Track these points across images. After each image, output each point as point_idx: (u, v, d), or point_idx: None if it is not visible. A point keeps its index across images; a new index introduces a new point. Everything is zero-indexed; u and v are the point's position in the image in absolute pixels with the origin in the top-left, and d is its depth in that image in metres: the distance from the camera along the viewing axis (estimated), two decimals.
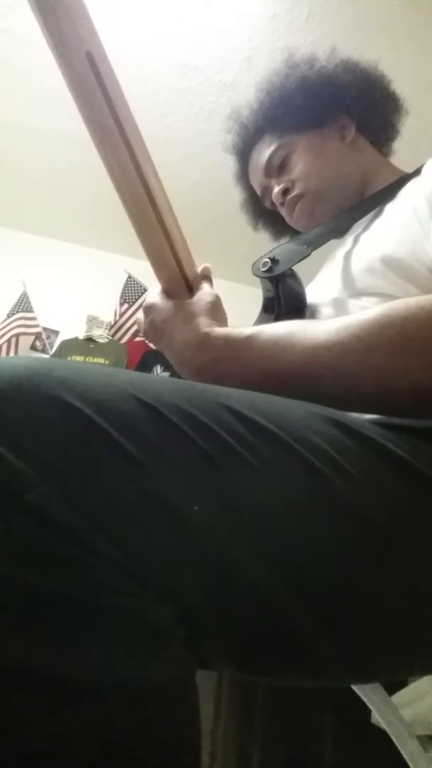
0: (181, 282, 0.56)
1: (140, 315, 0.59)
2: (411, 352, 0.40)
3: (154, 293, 0.57)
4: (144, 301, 0.58)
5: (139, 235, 0.51)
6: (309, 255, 0.66)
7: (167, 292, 0.57)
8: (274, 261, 0.63)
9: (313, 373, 0.43)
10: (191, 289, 0.57)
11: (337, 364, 0.42)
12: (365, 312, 0.43)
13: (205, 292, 0.55)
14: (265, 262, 0.64)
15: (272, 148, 0.78)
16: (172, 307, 0.54)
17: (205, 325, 0.51)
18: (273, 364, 0.45)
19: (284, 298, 0.62)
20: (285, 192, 0.78)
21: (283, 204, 0.80)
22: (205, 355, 0.49)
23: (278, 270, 0.63)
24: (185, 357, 0.50)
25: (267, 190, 0.83)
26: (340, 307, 0.60)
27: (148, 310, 0.57)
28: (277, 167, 0.79)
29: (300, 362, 0.44)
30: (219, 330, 0.50)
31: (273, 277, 0.63)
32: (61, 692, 0.25)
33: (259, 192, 0.85)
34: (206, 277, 0.58)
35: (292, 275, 0.65)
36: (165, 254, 0.52)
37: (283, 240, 0.94)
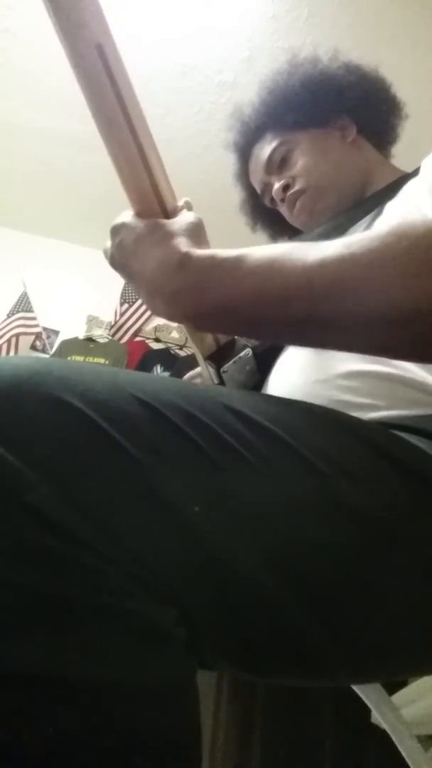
0: (158, 209, 0.48)
1: (107, 243, 0.50)
2: (427, 266, 0.34)
3: (126, 213, 0.49)
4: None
5: (120, 175, 0.46)
6: None
7: (142, 217, 0.49)
8: None
9: (314, 293, 0.36)
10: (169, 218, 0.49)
11: (345, 282, 0.35)
12: (376, 227, 0.38)
13: (187, 213, 0.48)
14: None
15: (274, 144, 0.78)
16: (146, 225, 0.46)
17: (185, 244, 0.43)
18: (269, 283, 0.38)
19: None
20: (286, 188, 0.78)
21: (283, 200, 0.80)
22: (185, 277, 0.41)
23: None
24: (159, 281, 0.42)
25: (267, 186, 0.82)
26: None
27: (117, 230, 0.48)
28: (278, 163, 0.79)
29: (302, 280, 0.37)
30: (201, 250, 0.42)
31: None
32: (61, 692, 0.25)
33: (259, 189, 0.85)
34: (188, 209, 0.51)
35: None
36: (140, 177, 0.46)
37: (281, 240, 0.93)
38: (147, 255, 0.44)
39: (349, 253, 0.36)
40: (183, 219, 0.47)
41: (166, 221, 0.46)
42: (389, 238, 0.35)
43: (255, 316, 0.38)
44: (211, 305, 0.40)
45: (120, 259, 0.48)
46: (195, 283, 0.41)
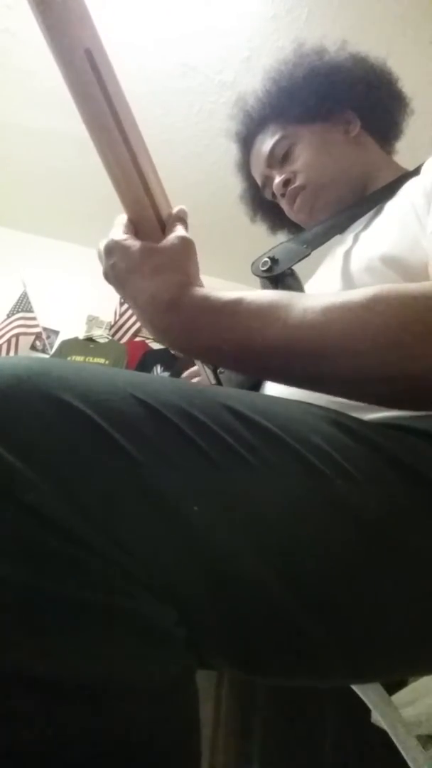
0: (153, 218, 0.49)
1: (101, 247, 0.51)
2: (395, 343, 0.38)
3: (118, 229, 0.50)
4: (110, 242, 0.49)
5: (113, 179, 0.47)
6: (309, 255, 0.66)
7: (135, 227, 0.50)
8: (274, 260, 0.63)
9: (292, 353, 0.40)
10: (164, 228, 0.51)
11: (319, 348, 0.39)
12: (354, 294, 0.41)
13: (178, 237, 0.48)
14: (265, 262, 0.63)
15: (276, 137, 0.77)
16: (139, 251, 0.47)
17: (176, 281, 0.45)
18: (251, 337, 0.41)
19: None
20: (286, 183, 0.77)
21: (283, 195, 0.79)
22: (174, 318, 0.43)
23: (278, 270, 0.63)
24: (151, 315, 0.45)
25: (268, 180, 0.82)
26: None
27: (111, 250, 0.48)
28: (280, 157, 0.78)
29: (280, 339, 0.40)
30: (194, 291, 0.44)
31: (272, 276, 0.63)
32: (61, 692, 0.25)
33: (259, 182, 0.85)
34: (181, 219, 0.52)
35: (292, 274, 0.64)
36: (133, 182, 0.47)
37: (280, 233, 0.93)
38: (140, 285, 0.46)
39: (326, 321, 0.39)
40: (175, 246, 0.48)
41: (158, 248, 0.47)
42: (363, 311, 0.39)
43: (239, 363, 0.41)
44: (199, 348, 0.43)
45: (114, 281, 0.49)
46: (184, 326, 0.43)
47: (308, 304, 0.41)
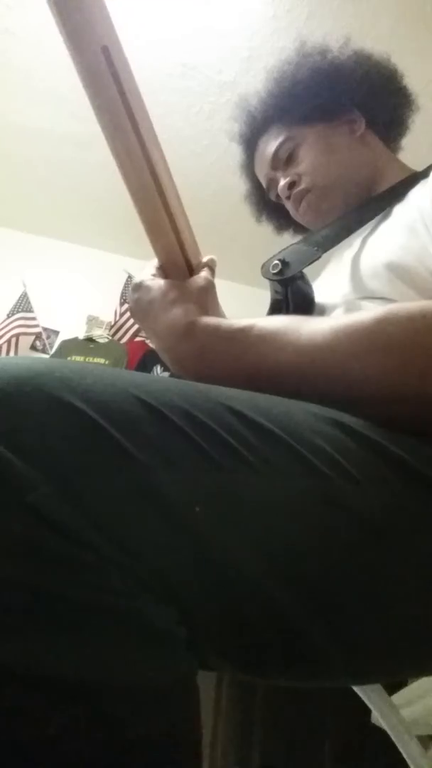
0: (182, 264, 0.53)
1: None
2: (407, 363, 0.39)
3: (147, 271, 0.54)
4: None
5: (141, 215, 0.49)
6: (319, 258, 0.65)
7: (165, 271, 0.54)
8: (285, 263, 0.62)
9: (304, 375, 0.42)
10: (192, 273, 0.54)
11: (330, 368, 0.41)
12: (363, 315, 0.42)
13: (200, 277, 0.52)
14: (275, 264, 0.62)
15: (280, 139, 0.77)
16: (161, 287, 0.51)
17: (192, 312, 0.48)
18: (263, 361, 0.43)
19: (293, 301, 0.62)
20: (291, 185, 0.77)
21: (288, 197, 0.78)
22: (190, 345, 0.46)
23: (289, 273, 0.62)
24: (168, 344, 0.48)
25: (273, 182, 0.81)
26: (350, 310, 0.59)
27: (137, 287, 0.54)
28: (284, 159, 0.77)
29: (292, 363, 0.42)
30: (208, 319, 0.47)
31: (283, 279, 0.62)
32: (61, 692, 0.25)
33: (264, 184, 0.84)
34: (209, 266, 0.56)
35: (301, 277, 0.64)
36: (167, 233, 0.50)
37: (286, 234, 0.93)
38: (158, 317, 0.49)
39: (336, 343, 0.41)
40: (195, 283, 0.51)
41: (178, 285, 0.50)
42: (371, 333, 0.40)
43: (251, 385, 0.42)
44: (212, 373, 0.44)
45: (137, 314, 0.54)
46: (198, 354, 0.45)
47: (318, 327, 0.43)
